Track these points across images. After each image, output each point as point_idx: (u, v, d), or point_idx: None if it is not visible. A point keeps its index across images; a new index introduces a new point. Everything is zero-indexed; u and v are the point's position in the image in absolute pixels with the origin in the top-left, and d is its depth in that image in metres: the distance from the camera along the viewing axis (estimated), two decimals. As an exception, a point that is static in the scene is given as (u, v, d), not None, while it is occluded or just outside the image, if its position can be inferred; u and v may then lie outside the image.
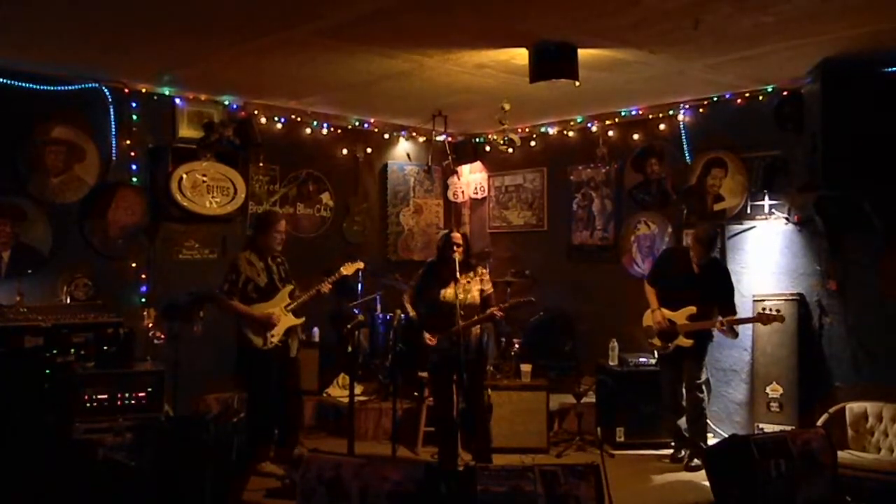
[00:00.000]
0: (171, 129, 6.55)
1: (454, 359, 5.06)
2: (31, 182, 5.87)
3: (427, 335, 5.27)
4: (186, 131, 6.59)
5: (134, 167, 6.36)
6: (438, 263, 5.37)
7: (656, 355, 6.14)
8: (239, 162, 6.72)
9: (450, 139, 7.93)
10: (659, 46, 5.08)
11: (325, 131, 7.55)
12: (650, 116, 7.05)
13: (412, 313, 5.38)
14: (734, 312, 5.70)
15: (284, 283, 5.61)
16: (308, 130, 7.46)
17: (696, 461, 5.59)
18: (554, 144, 7.91)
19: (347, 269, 5.79)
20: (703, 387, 5.88)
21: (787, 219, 6.16)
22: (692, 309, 5.69)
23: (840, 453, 4.57)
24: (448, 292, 5.22)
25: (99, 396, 5.20)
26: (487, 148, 8.36)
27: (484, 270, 5.51)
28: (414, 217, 8.38)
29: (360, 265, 5.98)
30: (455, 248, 5.22)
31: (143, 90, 6.37)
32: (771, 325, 5.95)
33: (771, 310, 5.67)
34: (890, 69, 5.33)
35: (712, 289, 5.70)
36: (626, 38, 4.92)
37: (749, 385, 6.32)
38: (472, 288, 5.30)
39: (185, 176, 6.33)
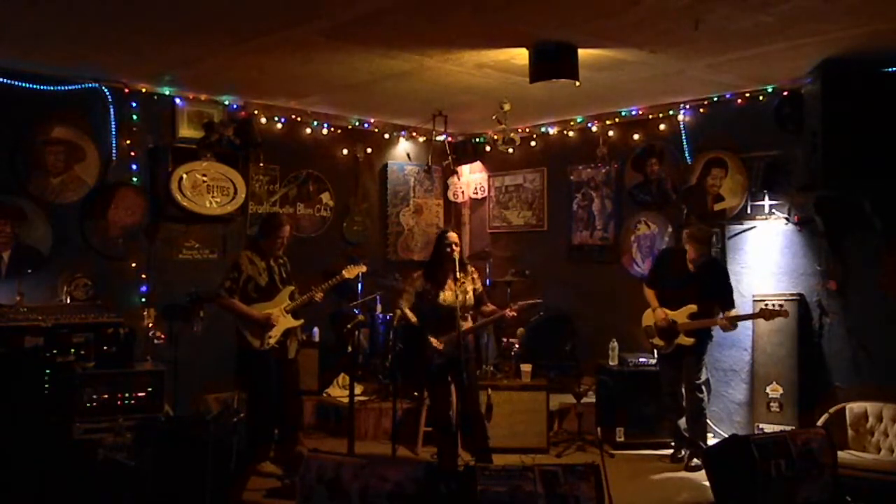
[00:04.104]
0: (171, 129, 6.55)
1: (455, 360, 5.07)
2: (31, 182, 5.87)
3: (434, 340, 5.21)
4: (186, 131, 6.59)
5: (134, 167, 6.36)
6: (434, 265, 5.36)
7: (656, 355, 6.14)
8: (239, 162, 6.72)
9: (450, 139, 7.93)
10: (659, 46, 5.07)
11: (325, 131, 7.55)
12: (650, 116, 7.05)
13: (413, 319, 5.32)
14: (733, 307, 5.72)
15: (285, 284, 5.61)
16: (308, 130, 7.46)
17: (696, 461, 5.59)
18: (554, 144, 7.91)
19: (350, 273, 5.78)
20: (703, 387, 5.88)
21: (787, 219, 6.16)
22: (693, 307, 5.69)
23: (840, 453, 4.57)
24: (447, 295, 5.22)
25: (99, 396, 5.19)
26: (487, 148, 8.36)
27: (473, 269, 5.49)
28: (414, 217, 8.38)
29: (363, 269, 5.96)
30: (454, 247, 5.23)
31: (143, 90, 6.37)
32: (771, 325, 5.98)
33: (773, 306, 5.65)
34: (890, 69, 5.32)
35: (711, 286, 5.71)
36: (626, 38, 4.92)
37: (749, 385, 6.32)
38: (468, 288, 5.31)
39: (185, 176, 6.33)
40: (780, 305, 5.63)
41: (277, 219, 5.74)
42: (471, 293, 5.31)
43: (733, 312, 5.71)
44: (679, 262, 5.85)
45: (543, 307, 7.26)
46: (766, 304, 5.75)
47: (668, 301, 5.83)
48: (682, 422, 5.86)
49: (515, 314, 5.29)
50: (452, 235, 5.31)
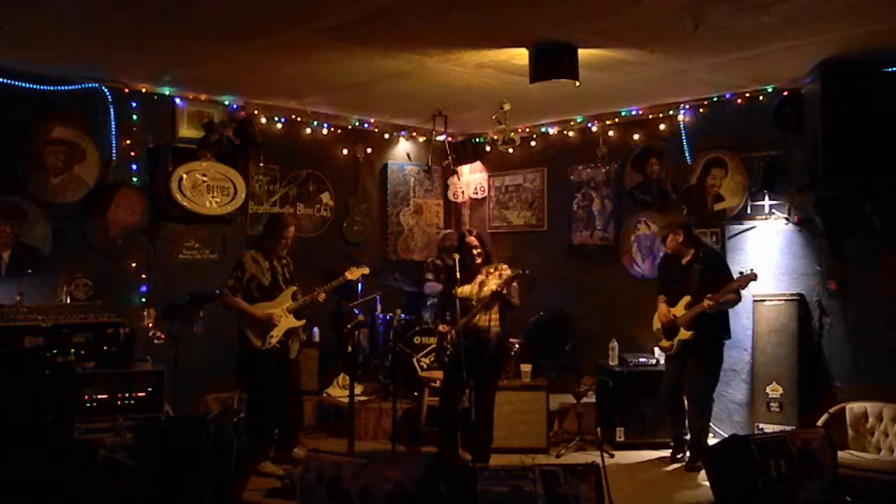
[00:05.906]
0: (171, 129, 6.55)
1: (469, 355, 5.06)
2: (31, 182, 5.87)
3: (441, 325, 5.40)
4: (186, 131, 6.59)
5: (134, 167, 6.36)
6: (460, 267, 5.41)
7: (659, 355, 6.15)
8: (239, 162, 6.73)
9: (450, 139, 7.94)
10: (659, 46, 5.08)
11: (325, 131, 7.55)
12: (650, 116, 7.05)
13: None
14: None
15: (288, 285, 5.61)
16: (308, 130, 7.46)
17: (697, 461, 5.59)
18: (554, 144, 7.91)
19: (352, 274, 5.78)
20: (709, 398, 5.78)
21: (787, 219, 6.16)
22: (687, 298, 5.70)
23: (840, 453, 4.58)
24: (463, 289, 5.34)
25: (99, 396, 5.19)
26: (487, 148, 8.35)
27: (503, 265, 5.51)
28: (414, 217, 8.38)
29: (366, 271, 5.95)
30: (474, 252, 5.37)
31: (143, 90, 6.37)
32: (771, 325, 6.02)
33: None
34: (890, 69, 5.32)
35: (703, 275, 5.69)
36: (626, 38, 4.92)
37: (749, 385, 6.31)
38: (490, 282, 5.33)
39: (185, 176, 6.33)
40: (751, 270, 5.57)
41: (283, 219, 5.75)
42: (493, 287, 5.35)
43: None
44: (674, 260, 5.92)
45: (543, 307, 7.30)
46: (743, 272, 5.65)
47: (672, 301, 5.86)
48: (685, 429, 5.84)
49: (501, 288, 5.31)
50: (472, 240, 5.44)
